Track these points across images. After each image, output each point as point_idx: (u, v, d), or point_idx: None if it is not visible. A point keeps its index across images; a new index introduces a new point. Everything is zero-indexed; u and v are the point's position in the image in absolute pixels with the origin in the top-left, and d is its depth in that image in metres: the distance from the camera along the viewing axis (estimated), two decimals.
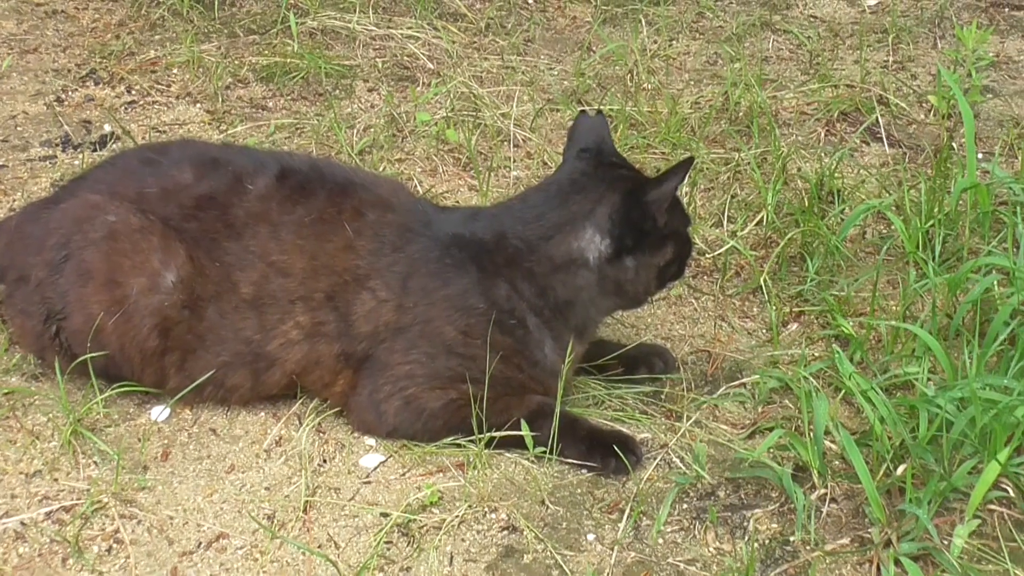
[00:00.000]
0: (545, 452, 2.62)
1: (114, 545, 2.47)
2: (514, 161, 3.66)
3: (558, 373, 2.66)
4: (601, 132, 2.74)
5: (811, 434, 2.58)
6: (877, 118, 3.86)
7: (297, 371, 2.70)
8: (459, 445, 2.66)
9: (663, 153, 3.67)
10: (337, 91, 4.04)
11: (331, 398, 2.75)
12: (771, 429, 2.68)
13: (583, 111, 2.83)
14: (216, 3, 4.50)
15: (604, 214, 2.60)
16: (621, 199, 2.60)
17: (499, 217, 2.70)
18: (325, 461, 2.67)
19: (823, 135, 3.87)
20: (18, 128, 3.77)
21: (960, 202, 3.28)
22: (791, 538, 2.49)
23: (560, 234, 2.62)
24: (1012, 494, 2.50)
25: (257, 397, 2.75)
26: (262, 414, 2.78)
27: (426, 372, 2.64)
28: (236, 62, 4.12)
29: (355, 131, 3.77)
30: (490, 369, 2.59)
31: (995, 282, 2.95)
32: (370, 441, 2.71)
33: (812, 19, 4.66)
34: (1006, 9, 4.75)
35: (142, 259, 2.65)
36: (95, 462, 2.64)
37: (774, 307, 3.07)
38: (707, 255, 3.29)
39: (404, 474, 2.64)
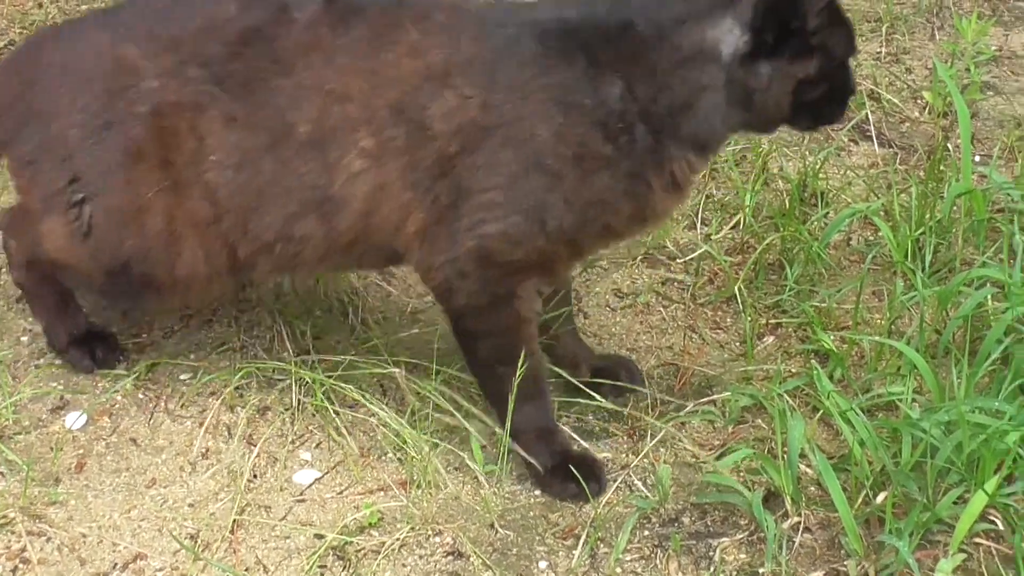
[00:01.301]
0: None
1: (20, 565, 2.44)
2: None
3: (659, 213, 2.59)
4: None
5: (785, 457, 2.54)
6: (867, 114, 3.83)
7: (366, 210, 2.55)
8: (400, 460, 2.62)
9: None
10: None
11: (408, 250, 2.60)
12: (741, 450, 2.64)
13: None
14: None
15: (748, 3, 2.44)
16: None
17: (625, 2, 2.55)
18: (256, 476, 2.63)
19: None
20: None
21: (954, 208, 3.24)
22: (760, 570, 2.46)
23: (694, 19, 2.47)
24: (1000, 527, 2.46)
25: (332, 252, 2.62)
26: (188, 423, 2.74)
27: (506, 201, 2.51)
28: None
29: None
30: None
31: (989, 296, 2.92)
32: (305, 455, 2.67)
33: None
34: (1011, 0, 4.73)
35: (194, 135, 2.58)
36: (1, 473, 2.60)
37: (749, 318, 3.04)
38: (678, 260, 3.26)
39: (341, 492, 2.61)
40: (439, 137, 2.50)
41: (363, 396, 2.73)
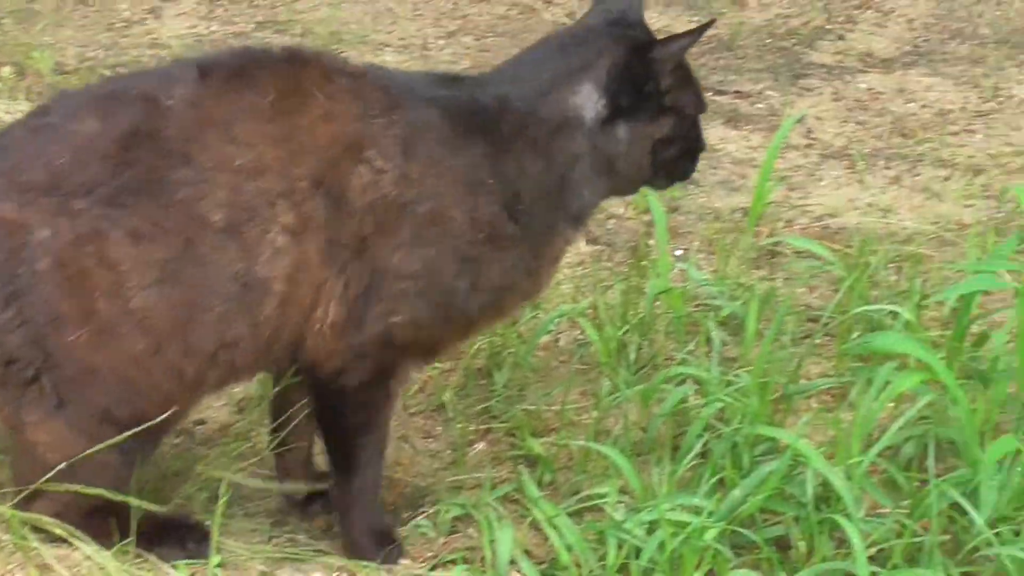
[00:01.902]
0: None
1: None
2: None
3: (542, 289, 2.67)
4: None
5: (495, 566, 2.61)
6: None
7: (285, 294, 2.47)
8: None
9: None
10: None
11: (311, 338, 2.54)
12: (454, 562, 2.70)
13: None
14: None
15: (604, 67, 2.53)
16: (625, 53, 2.55)
17: (495, 79, 2.61)
18: None
19: None
20: None
21: (656, 305, 3.39)
22: None
23: (557, 89, 2.55)
24: None
25: (259, 352, 2.53)
26: None
27: (421, 289, 2.54)
28: None
29: None
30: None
31: (689, 393, 3.06)
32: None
33: None
34: (708, 94, 4.95)
35: (105, 268, 2.43)
36: None
37: (459, 426, 3.11)
38: None
39: None
40: (357, 214, 2.49)
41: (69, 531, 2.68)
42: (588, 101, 2.56)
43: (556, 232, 2.64)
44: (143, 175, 2.44)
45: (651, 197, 3.50)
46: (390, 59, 4.94)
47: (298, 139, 2.47)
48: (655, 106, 2.59)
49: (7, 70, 4.55)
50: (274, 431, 2.82)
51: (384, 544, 2.69)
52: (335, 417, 2.67)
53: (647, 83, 2.57)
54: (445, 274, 2.56)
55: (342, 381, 2.59)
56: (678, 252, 3.83)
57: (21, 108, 4.31)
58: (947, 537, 2.67)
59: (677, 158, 2.68)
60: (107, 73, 4.62)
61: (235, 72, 2.54)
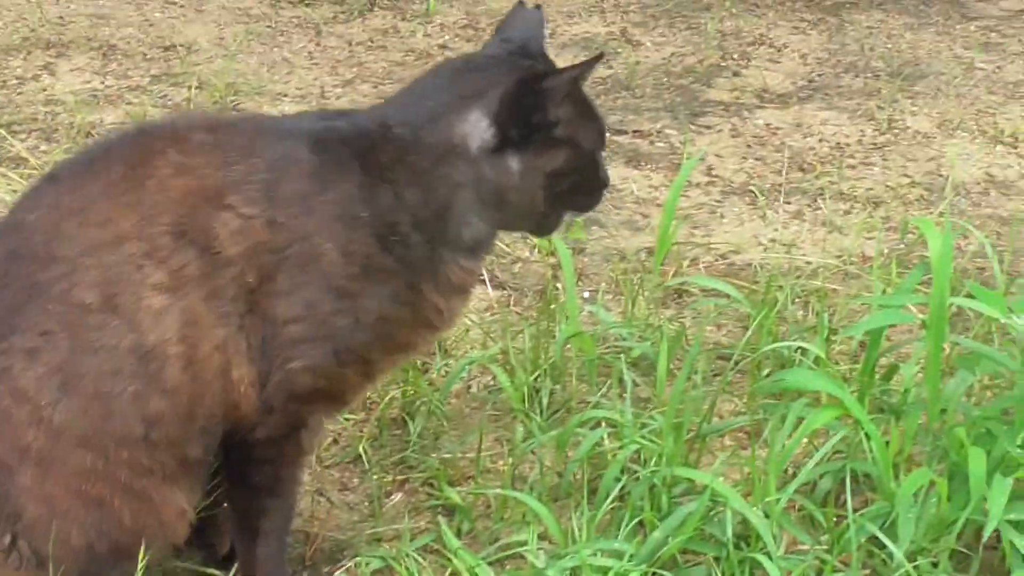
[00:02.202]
0: None
1: None
2: None
3: (447, 319, 2.62)
4: (534, 27, 2.64)
5: None
6: None
7: (186, 351, 2.41)
8: None
9: None
10: None
11: (245, 402, 2.50)
12: None
13: (520, 2, 2.73)
14: None
15: (495, 96, 2.48)
16: (517, 82, 2.49)
17: (383, 106, 2.57)
18: None
19: None
20: None
21: (566, 348, 3.40)
22: None
23: (444, 116, 2.50)
24: None
25: (185, 421, 2.46)
26: None
27: (308, 332, 2.48)
28: None
29: None
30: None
31: (604, 436, 3.06)
32: None
33: None
34: (607, 134, 4.99)
35: (17, 398, 2.39)
36: None
37: (376, 477, 3.10)
38: None
39: None
40: (233, 263, 2.45)
41: None
42: (475, 129, 2.51)
43: (442, 262, 2.58)
44: (21, 290, 2.42)
45: (557, 240, 3.52)
46: (288, 109, 4.92)
47: (151, 199, 2.44)
48: (546, 137, 2.54)
49: None
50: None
51: None
52: (243, 477, 2.62)
53: (536, 113, 2.51)
54: (326, 312, 2.52)
55: (255, 436, 2.56)
56: (585, 294, 3.85)
57: None
58: (867, 572, 2.70)
59: (573, 192, 2.63)
60: (2, 132, 4.57)
61: (84, 165, 2.55)
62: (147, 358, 2.42)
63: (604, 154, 2.71)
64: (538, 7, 2.75)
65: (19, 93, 5.08)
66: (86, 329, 2.40)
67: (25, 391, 2.40)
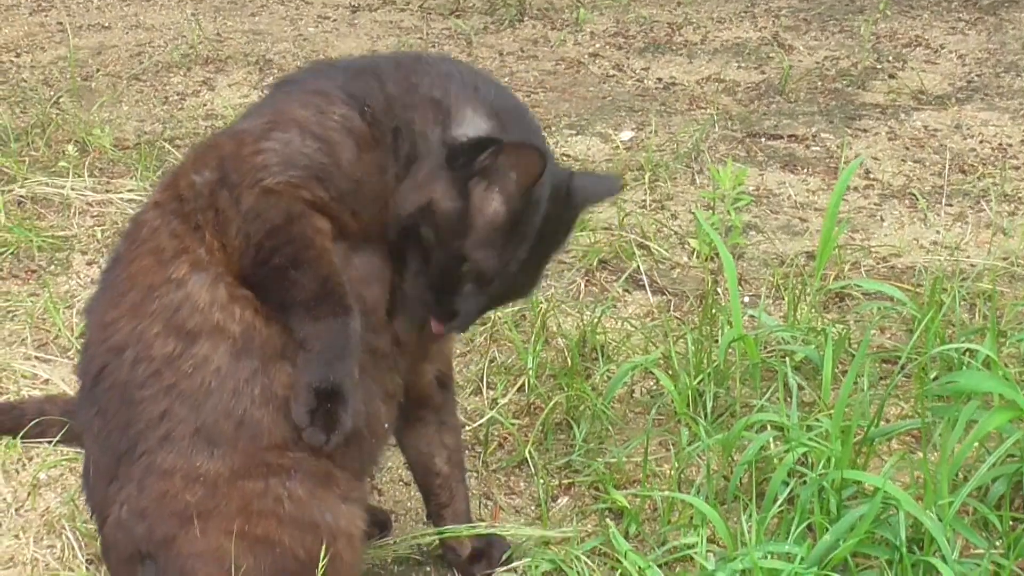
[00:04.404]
0: None
1: None
2: None
3: None
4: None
5: None
6: (638, 264, 4.00)
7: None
8: None
9: None
10: (52, 266, 3.99)
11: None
12: None
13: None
14: None
15: None
16: None
17: None
18: None
19: (583, 286, 3.98)
20: None
21: (729, 353, 3.40)
22: None
23: None
24: None
25: None
26: None
27: None
28: None
29: (74, 311, 3.73)
30: None
31: (770, 439, 3.07)
32: None
33: (564, 157, 4.82)
34: (762, 139, 4.99)
35: None
36: None
37: (542, 481, 3.13)
38: (467, 427, 3.34)
39: None
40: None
41: None
42: None
43: None
44: (115, 398, 2.48)
45: (719, 245, 3.53)
46: None
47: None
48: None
49: (70, 148, 4.62)
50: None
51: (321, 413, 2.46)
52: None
53: None
54: None
55: None
56: (746, 299, 3.85)
57: (86, 184, 4.39)
58: None
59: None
60: (166, 146, 4.69)
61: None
62: (242, 352, 2.43)
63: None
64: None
65: (180, 108, 5.22)
66: (186, 376, 2.42)
67: (173, 466, 2.42)
